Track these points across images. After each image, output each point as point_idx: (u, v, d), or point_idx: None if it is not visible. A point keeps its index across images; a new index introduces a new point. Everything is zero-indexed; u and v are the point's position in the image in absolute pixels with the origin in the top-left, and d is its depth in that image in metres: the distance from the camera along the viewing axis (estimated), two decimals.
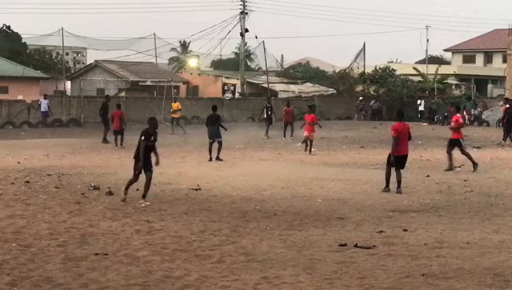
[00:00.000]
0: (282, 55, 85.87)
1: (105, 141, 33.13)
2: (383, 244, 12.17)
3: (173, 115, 42.03)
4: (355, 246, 11.92)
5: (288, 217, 14.70)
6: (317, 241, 12.40)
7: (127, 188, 16.54)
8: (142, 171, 16.41)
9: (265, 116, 40.35)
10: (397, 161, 18.58)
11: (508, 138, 33.67)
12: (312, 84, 66.42)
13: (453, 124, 24.36)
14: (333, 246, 12.01)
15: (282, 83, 66.35)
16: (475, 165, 23.10)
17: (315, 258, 11.11)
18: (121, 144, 30.83)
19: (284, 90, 63.52)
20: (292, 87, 65.16)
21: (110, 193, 17.45)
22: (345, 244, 12.01)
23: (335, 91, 65.22)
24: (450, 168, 23.14)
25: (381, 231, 13.22)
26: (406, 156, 18.99)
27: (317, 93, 62.49)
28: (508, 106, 35.05)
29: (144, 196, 16.32)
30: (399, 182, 18.42)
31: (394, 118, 22.64)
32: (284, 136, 37.34)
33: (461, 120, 24.61)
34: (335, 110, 59.80)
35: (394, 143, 18.68)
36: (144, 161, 16.40)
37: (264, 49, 66.18)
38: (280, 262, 10.87)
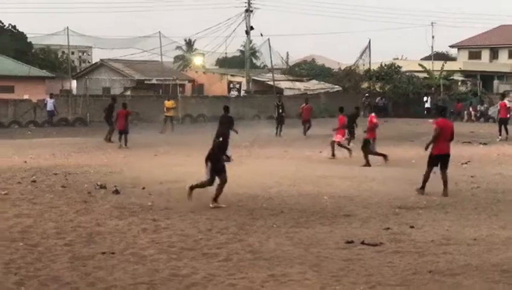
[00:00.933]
0: (287, 52, 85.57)
1: (109, 140, 33.14)
2: (389, 241, 12.16)
3: (167, 114, 41.80)
4: (362, 243, 11.91)
5: (295, 214, 14.70)
6: (324, 238, 12.40)
7: (194, 188, 16.02)
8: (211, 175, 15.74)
9: (276, 114, 39.63)
10: (439, 160, 17.57)
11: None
12: (318, 82, 66.37)
13: (368, 124, 24.43)
14: (340, 243, 12.01)
15: (288, 80, 66.31)
16: (367, 164, 23.45)
17: (322, 256, 11.10)
18: (125, 144, 30.69)
19: (290, 88, 63.49)
20: (298, 84, 65.11)
21: (116, 192, 17.47)
22: (351, 242, 12.01)
23: (341, 88, 65.17)
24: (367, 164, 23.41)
25: (388, 228, 13.21)
26: (448, 155, 17.73)
27: (322, 91, 62.46)
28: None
29: (215, 199, 15.69)
30: (445, 182, 17.40)
31: (435, 114, 22.39)
32: (304, 134, 37.39)
33: (375, 120, 24.51)
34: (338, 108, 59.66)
35: (433, 140, 17.59)
36: (218, 161, 15.76)
37: (270, 46, 66.18)
38: (287, 260, 10.86)
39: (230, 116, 26.56)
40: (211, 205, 15.45)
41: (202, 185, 15.99)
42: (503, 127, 34.19)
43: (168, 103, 42.33)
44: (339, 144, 26.98)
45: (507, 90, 63.39)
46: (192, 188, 15.98)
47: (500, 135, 32.94)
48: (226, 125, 25.48)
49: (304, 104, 39.33)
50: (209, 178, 15.73)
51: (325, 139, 34.59)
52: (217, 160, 15.75)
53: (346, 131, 28.17)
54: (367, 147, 23.75)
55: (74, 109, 50.32)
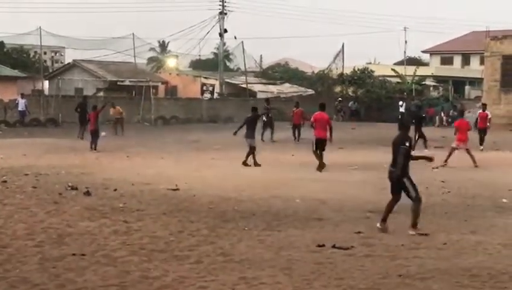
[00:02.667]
0: (261, 55, 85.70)
1: (81, 136, 34.56)
2: (361, 245, 12.19)
3: (117, 116, 41.59)
4: (334, 246, 11.93)
5: (266, 217, 14.70)
6: (296, 241, 12.41)
7: (386, 217, 13.58)
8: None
9: (264, 119, 36.47)
10: None
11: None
12: (291, 85, 66.52)
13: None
14: (311, 246, 12.02)
15: (261, 83, 66.41)
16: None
17: (293, 259, 11.11)
18: (95, 148, 30.02)
19: (263, 91, 63.58)
20: (271, 87, 65.23)
21: (88, 193, 17.38)
22: (323, 245, 12.02)
23: (314, 92, 65.33)
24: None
25: (360, 232, 13.24)
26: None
27: (295, 94, 62.58)
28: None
29: (414, 224, 13.35)
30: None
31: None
32: (295, 139, 36.32)
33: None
34: (314, 111, 59.77)
35: None
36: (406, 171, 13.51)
37: (243, 49, 66.29)
38: (258, 262, 10.86)
39: (256, 114, 26.14)
40: (411, 233, 13.18)
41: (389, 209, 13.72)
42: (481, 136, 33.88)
43: (116, 109, 41.86)
44: (467, 151, 25.47)
45: (478, 96, 63.93)
46: (384, 219, 13.56)
47: (481, 144, 32.71)
48: (252, 124, 25.19)
49: (295, 108, 37.80)
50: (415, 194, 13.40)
51: (298, 142, 34.76)
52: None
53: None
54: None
55: (46, 110, 50.05)
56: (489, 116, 34.55)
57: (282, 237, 12.81)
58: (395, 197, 13.55)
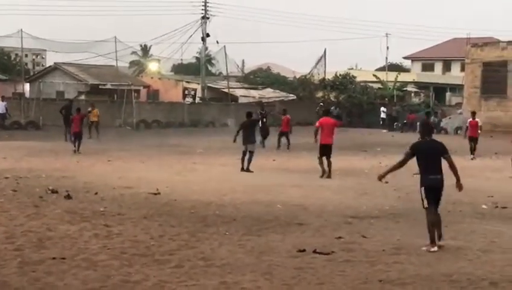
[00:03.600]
0: (243, 60, 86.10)
1: (68, 140, 34.68)
2: (341, 250, 12.21)
3: (94, 119, 40.95)
4: (314, 252, 11.94)
5: (247, 222, 14.70)
6: (276, 246, 12.41)
7: (434, 237, 12.51)
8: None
9: (259, 125, 34.45)
10: None
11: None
12: (273, 90, 66.62)
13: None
14: (292, 251, 12.02)
15: (243, 88, 66.49)
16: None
17: (274, 264, 11.11)
18: (78, 149, 30.55)
19: (245, 96, 63.70)
20: (253, 92, 65.31)
21: (68, 197, 17.31)
22: (304, 250, 12.03)
23: (295, 97, 65.46)
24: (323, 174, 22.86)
25: (340, 237, 13.27)
26: None
27: (277, 99, 62.68)
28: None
29: (439, 237, 12.61)
30: None
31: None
32: (279, 147, 34.94)
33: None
34: (295, 116, 59.93)
35: None
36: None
37: (225, 54, 66.31)
38: (239, 267, 10.86)
39: (254, 120, 25.73)
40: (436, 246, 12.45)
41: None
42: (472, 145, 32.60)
43: (94, 112, 41.27)
44: None
45: (459, 103, 64.27)
46: (432, 241, 12.49)
47: (472, 154, 32.17)
48: (250, 129, 24.95)
49: (282, 115, 36.70)
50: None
51: (280, 148, 34.77)
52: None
53: None
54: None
55: (27, 113, 49.84)
56: (479, 124, 33.49)
57: (263, 242, 12.81)
58: (435, 207, 12.61)
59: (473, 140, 32.62)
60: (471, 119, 33.77)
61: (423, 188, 12.65)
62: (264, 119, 36.26)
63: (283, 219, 15.14)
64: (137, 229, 13.69)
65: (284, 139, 35.59)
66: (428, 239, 12.38)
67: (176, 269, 10.67)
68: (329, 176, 22.63)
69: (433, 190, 12.63)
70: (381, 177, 13.57)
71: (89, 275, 10.23)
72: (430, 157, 12.69)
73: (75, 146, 30.88)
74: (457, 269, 11.02)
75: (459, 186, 13.03)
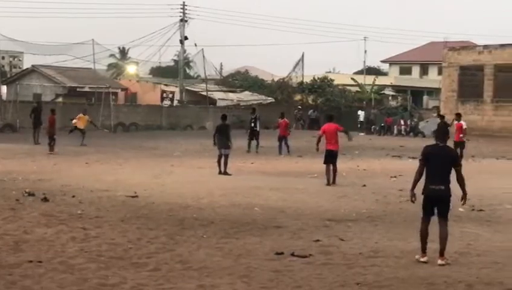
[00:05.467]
0: (221, 63, 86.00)
1: (37, 142, 34.91)
2: (319, 253, 12.23)
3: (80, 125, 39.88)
4: (292, 254, 11.95)
5: (225, 225, 14.68)
6: (254, 249, 12.42)
7: (424, 247, 11.94)
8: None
9: (248, 128, 35.28)
10: None
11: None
12: (251, 93, 66.72)
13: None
14: (270, 254, 12.03)
15: (221, 91, 66.53)
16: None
17: (252, 267, 11.12)
18: (53, 149, 30.86)
19: (223, 99, 63.74)
20: (231, 95, 65.38)
21: (45, 200, 17.21)
22: (281, 253, 12.04)
23: (273, 100, 65.54)
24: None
25: (318, 240, 13.29)
26: None
27: (255, 102, 62.77)
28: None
29: (441, 253, 11.86)
30: None
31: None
32: (280, 153, 33.76)
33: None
34: (273, 119, 60.03)
35: None
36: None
37: (203, 57, 66.32)
38: (216, 270, 10.85)
39: (227, 124, 25.33)
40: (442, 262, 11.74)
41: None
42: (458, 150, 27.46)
43: (85, 118, 40.03)
44: None
45: (436, 106, 64.65)
46: (423, 250, 11.94)
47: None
48: (225, 134, 24.68)
49: (280, 119, 35.38)
50: None
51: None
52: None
53: None
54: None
55: (3, 115, 49.56)
56: (464, 127, 30.65)
57: (241, 245, 12.81)
58: (428, 220, 12.07)
59: (457, 144, 28.83)
60: (456, 122, 30.79)
61: (423, 196, 12.03)
62: (256, 124, 35.16)
63: (261, 222, 15.14)
64: (115, 232, 13.64)
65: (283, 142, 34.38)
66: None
67: (154, 272, 10.65)
68: (334, 182, 22.05)
69: (433, 201, 11.93)
70: (412, 196, 12.20)
71: (65, 278, 10.19)
72: (437, 165, 11.85)
73: (50, 148, 31.08)
74: (434, 271, 11.07)
75: (464, 200, 12.34)
